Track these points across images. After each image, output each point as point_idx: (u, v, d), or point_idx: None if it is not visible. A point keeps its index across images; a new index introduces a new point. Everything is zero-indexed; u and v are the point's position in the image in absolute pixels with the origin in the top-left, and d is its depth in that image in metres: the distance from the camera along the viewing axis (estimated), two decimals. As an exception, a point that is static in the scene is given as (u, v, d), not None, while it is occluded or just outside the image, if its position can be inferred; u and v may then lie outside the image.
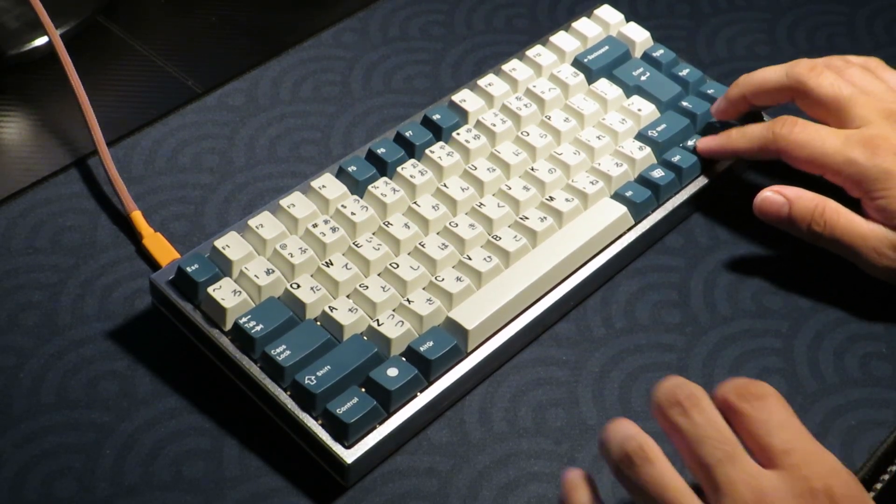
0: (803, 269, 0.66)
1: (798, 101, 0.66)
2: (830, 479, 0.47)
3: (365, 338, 0.58)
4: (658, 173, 0.66)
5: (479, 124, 0.68)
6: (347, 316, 0.58)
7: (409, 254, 0.62)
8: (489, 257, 0.61)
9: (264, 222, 0.62)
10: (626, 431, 0.49)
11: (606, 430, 0.50)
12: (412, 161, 0.66)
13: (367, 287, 0.60)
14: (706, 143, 0.67)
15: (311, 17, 0.84)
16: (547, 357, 0.62)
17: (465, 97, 0.69)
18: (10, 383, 0.60)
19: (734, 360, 0.62)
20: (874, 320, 0.64)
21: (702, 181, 0.68)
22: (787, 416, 0.49)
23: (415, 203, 0.64)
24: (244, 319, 0.58)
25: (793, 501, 0.46)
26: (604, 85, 0.71)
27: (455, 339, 0.58)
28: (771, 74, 0.66)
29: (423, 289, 0.60)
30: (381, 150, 0.66)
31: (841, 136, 0.62)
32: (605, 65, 0.72)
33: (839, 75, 0.64)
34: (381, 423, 0.56)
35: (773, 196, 0.64)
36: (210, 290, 0.59)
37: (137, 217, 0.66)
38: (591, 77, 0.72)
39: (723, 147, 0.66)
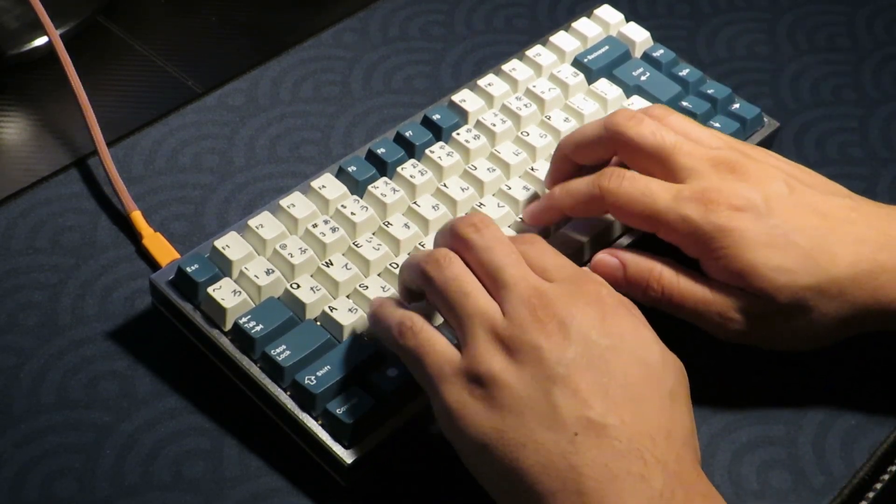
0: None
1: (620, 153, 0.60)
2: (599, 286, 0.52)
3: (365, 338, 0.58)
4: (658, 173, 0.66)
5: (479, 124, 0.68)
6: (347, 316, 0.58)
7: (409, 254, 0.62)
8: (489, 257, 0.61)
9: (264, 222, 0.62)
10: (415, 258, 0.55)
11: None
12: (412, 161, 0.66)
13: (367, 287, 0.60)
14: (529, 210, 0.62)
15: (311, 17, 0.84)
16: (547, 357, 0.62)
17: (465, 97, 0.69)
18: (10, 383, 0.60)
19: (734, 359, 0.62)
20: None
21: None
22: (557, 252, 0.54)
23: (415, 203, 0.64)
24: (244, 319, 0.58)
25: (568, 299, 0.51)
26: (604, 85, 0.71)
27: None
28: (589, 129, 0.61)
29: (423, 289, 0.60)
30: (381, 150, 0.66)
31: (672, 190, 0.57)
32: (605, 65, 0.72)
33: (661, 123, 0.60)
34: (380, 423, 0.56)
35: (608, 258, 0.59)
36: (210, 290, 0.59)
37: (137, 217, 0.66)
38: (591, 77, 0.72)
39: (548, 209, 0.61)
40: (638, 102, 0.70)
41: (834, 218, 0.57)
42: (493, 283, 0.52)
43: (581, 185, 0.60)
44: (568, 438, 0.48)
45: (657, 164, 0.59)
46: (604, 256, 0.60)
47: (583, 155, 0.62)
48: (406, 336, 0.53)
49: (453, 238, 0.54)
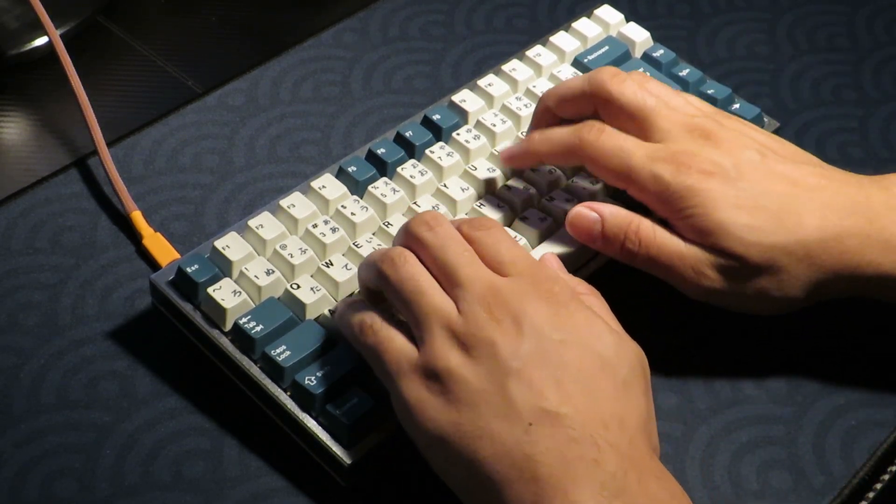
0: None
1: (601, 109, 0.62)
2: (552, 282, 0.53)
3: (365, 338, 0.58)
4: (658, 173, 0.66)
5: (479, 124, 0.68)
6: (347, 316, 0.58)
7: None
8: (489, 257, 0.61)
9: (264, 222, 0.62)
10: (371, 258, 0.56)
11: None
12: (412, 161, 0.66)
13: (367, 287, 0.60)
14: (508, 150, 0.64)
15: (311, 17, 0.84)
16: (547, 357, 0.62)
17: (465, 97, 0.69)
18: (10, 383, 0.60)
19: (735, 359, 0.62)
20: (873, 317, 0.64)
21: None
22: (512, 241, 0.55)
23: (415, 203, 0.64)
24: (244, 320, 0.58)
25: (521, 296, 0.52)
26: (604, 85, 0.71)
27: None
28: (573, 83, 0.63)
29: (423, 289, 0.60)
30: (381, 151, 0.66)
31: (647, 149, 0.59)
32: (605, 65, 0.72)
33: (641, 86, 0.61)
34: (380, 423, 0.56)
35: (586, 212, 0.60)
36: (210, 290, 0.59)
37: (137, 217, 0.66)
38: (591, 77, 0.72)
39: (524, 152, 0.63)
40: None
41: (803, 185, 0.59)
42: (448, 281, 0.53)
43: (561, 133, 0.61)
44: (523, 429, 0.49)
45: (635, 123, 0.61)
46: (582, 209, 0.60)
47: (565, 108, 0.63)
48: (366, 334, 0.54)
49: (407, 237, 0.55)
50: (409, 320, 0.53)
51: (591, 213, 0.60)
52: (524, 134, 0.67)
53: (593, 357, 0.51)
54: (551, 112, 0.64)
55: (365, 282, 0.57)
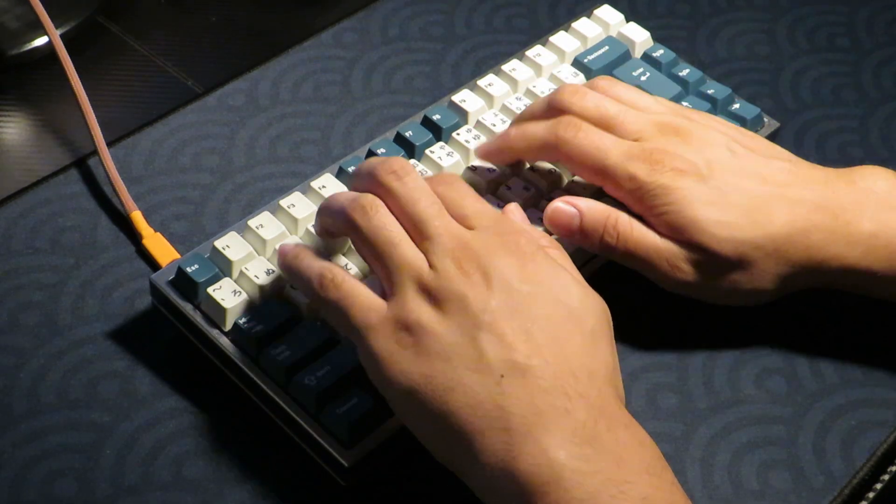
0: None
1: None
2: (518, 235, 0.54)
3: (365, 338, 0.58)
4: (658, 173, 0.66)
5: (479, 124, 0.68)
6: (347, 316, 0.58)
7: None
8: (489, 257, 0.61)
9: (264, 222, 0.62)
10: (338, 202, 0.56)
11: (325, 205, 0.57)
12: (412, 161, 0.66)
13: (367, 287, 0.60)
14: (484, 146, 0.64)
15: (311, 17, 0.84)
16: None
17: (465, 97, 0.69)
18: (10, 383, 0.60)
19: (735, 359, 0.62)
20: (873, 318, 0.64)
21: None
22: (475, 195, 0.56)
23: (415, 203, 0.64)
24: (244, 320, 0.58)
25: (490, 249, 0.53)
26: (604, 85, 0.71)
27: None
28: (535, 107, 0.63)
29: (423, 289, 0.60)
30: (381, 151, 0.66)
31: (623, 147, 0.60)
32: (605, 65, 0.72)
33: (605, 94, 0.62)
34: (380, 423, 0.56)
35: (564, 207, 0.61)
36: (210, 290, 0.59)
37: (137, 217, 0.66)
38: (591, 77, 0.72)
39: (501, 149, 0.63)
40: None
41: (772, 181, 0.60)
42: (417, 233, 0.54)
43: (538, 130, 0.62)
44: (494, 380, 0.50)
45: (606, 130, 0.61)
46: (560, 205, 0.61)
47: (529, 154, 0.64)
48: (328, 288, 0.54)
49: (374, 184, 0.55)
50: (378, 271, 0.54)
51: (569, 207, 0.61)
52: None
53: (561, 309, 0.52)
54: (515, 151, 0.63)
55: (328, 227, 0.57)
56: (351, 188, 0.58)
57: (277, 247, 0.59)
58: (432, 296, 0.52)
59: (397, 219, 0.54)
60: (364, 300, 0.53)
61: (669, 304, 0.64)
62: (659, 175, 0.59)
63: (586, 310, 0.53)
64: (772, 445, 0.59)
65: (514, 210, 0.60)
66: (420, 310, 0.52)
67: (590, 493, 0.47)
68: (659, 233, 0.60)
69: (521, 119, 0.64)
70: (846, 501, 0.58)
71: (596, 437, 0.49)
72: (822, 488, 0.58)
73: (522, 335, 0.51)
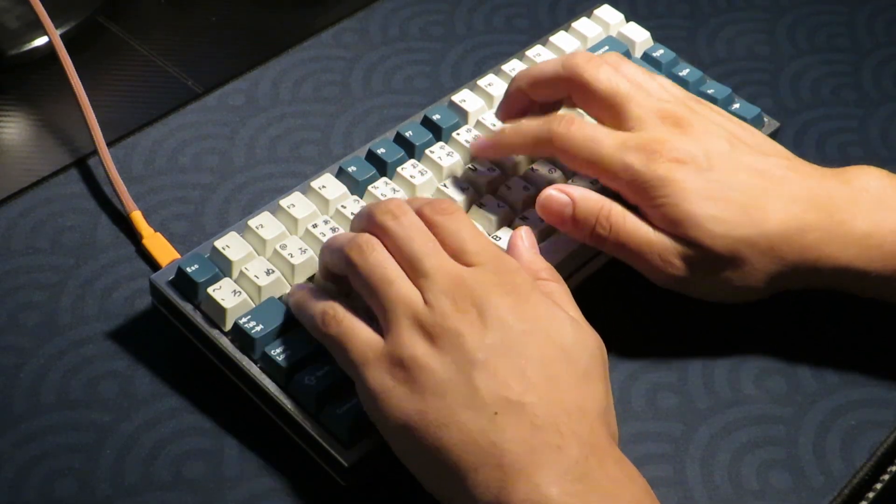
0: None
1: (574, 94, 0.63)
2: (514, 274, 0.54)
3: (365, 338, 0.58)
4: (658, 173, 0.66)
5: (479, 124, 0.68)
6: (347, 316, 0.58)
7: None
8: (489, 257, 0.61)
9: (264, 222, 0.62)
10: (337, 242, 0.56)
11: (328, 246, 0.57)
12: (412, 161, 0.66)
13: (367, 287, 0.60)
14: (478, 143, 0.64)
15: (311, 17, 0.84)
16: (547, 357, 0.62)
17: (465, 97, 0.69)
18: (10, 383, 0.60)
19: (735, 359, 0.62)
20: (873, 318, 0.64)
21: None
22: (475, 229, 0.56)
23: (415, 203, 0.64)
24: (244, 320, 0.58)
25: (485, 287, 0.53)
26: (604, 85, 0.71)
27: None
28: (547, 66, 0.63)
29: (423, 289, 0.60)
30: (381, 151, 0.66)
31: (618, 138, 0.60)
32: (605, 65, 0.72)
33: (616, 70, 0.62)
34: (381, 423, 0.56)
35: (557, 195, 0.60)
36: (210, 290, 0.59)
37: (137, 217, 0.66)
38: (591, 77, 0.72)
39: (496, 145, 0.63)
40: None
41: (770, 177, 0.60)
42: (413, 271, 0.54)
43: (531, 126, 0.62)
44: (488, 417, 0.50)
45: (608, 109, 0.61)
46: (552, 192, 0.61)
47: (538, 91, 0.64)
48: (329, 325, 0.55)
49: (372, 225, 0.56)
50: (374, 308, 0.54)
51: (561, 195, 0.61)
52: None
53: (555, 347, 0.52)
54: (524, 93, 0.65)
55: (329, 266, 0.58)
56: (350, 230, 0.58)
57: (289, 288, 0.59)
58: (427, 332, 0.52)
59: (394, 257, 0.55)
60: (362, 336, 0.54)
61: (669, 304, 0.64)
62: (656, 165, 0.58)
63: (580, 348, 0.53)
64: (772, 445, 0.59)
65: (525, 236, 0.59)
66: (415, 346, 0.52)
67: None
68: (653, 225, 0.59)
69: (528, 75, 0.64)
70: (846, 501, 0.58)
71: (587, 474, 0.49)
72: (822, 488, 0.58)
73: (516, 373, 0.51)
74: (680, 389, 0.61)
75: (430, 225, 0.55)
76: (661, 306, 0.64)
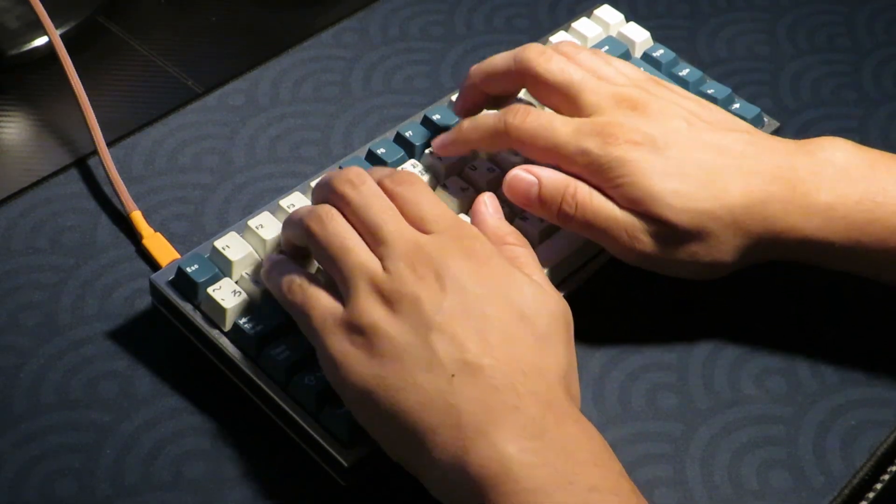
0: (798, 269, 0.66)
1: (529, 87, 0.63)
2: (473, 239, 0.55)
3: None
4: (658, 173, 0.66)
5: (479, 124, 0.68)
6: (347, 316, 0.58)
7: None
8: (489, 257, 0.61)
9: (264, 222, 0.62)
10: (297, 214, 0.57)
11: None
12: (412, 161, 0.66)
13: (367, 287, 0.60)
14: (439, 140, 0.64)
15: (311, 17, 0.84)
16: (547, 357, 0.62)
17: (465, 97, 0.69)
18: (10, 383, 0.60)
19: (735, 359, 0.62)
20: (873, 318, 0.64)
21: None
22: (434, 197, 0.56)
23: (415, 203, 0.63)
24: (244, 320, 0.58)
25: (444, 252, 0.53)
26: (604, 85, 0.71)
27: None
28: (499, 60, 0.64)
29: (423, 289, 0.60)
30: (380, 151, 0.66)
31: (573, 124, 0.60)
32: (605, 65, 0.72)
33: (570, 59, 0.62)
34: (381, 423, 0.56)
35: (524, 174, 0.60)
36: (210, 290, 0.59)
37: (137, 217, 0.66)
38: (591, 77, 0.72)
39: (455, 142, 0.63)
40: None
41: (729, 152, 0.60)
42: (372, 238, 0.55)
43: (488, 119, 0.62)
44: (446, 379, 0.50)
45: (563, 99, 0.61)
46: (519, 172, 0.61)
47: (491, 85, 0.65)
48: (294, 292, 0.55)
49: (331, 194, 0.56)
50: (334, 276, 0.55)
51: (528, 175, 0.61)
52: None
53: (514, 310, 0.53)
54: (478, 89, 0.65)
55: (290, 238, 0.58)
56: (312, 201, 0.59)
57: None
58: (386, 298, 0.52)
59: (353, 226, 0.55)
60: (324, 304, 0.54)
61: (669, 305, 0.64)
62: (612, 147, 0.58)
63: (540, 311, 0.53)
64: (772, 445, 0.59)
65: (489, 202, 0.60)
66: (373, 311, 0.52)
67: (539, 484, 0.48)
68: (618, 205, 0.59)
69: (481, 70, 0.64)
70: (846, 501, 0.58)
71: (545, 432, 0.49)
72: (822, 488, 0.58)
73: (474, 335, 0.51)
74: (680, 389, 0.61)
75: (390, 194, 0.56)
76: (661, 306, 0.64)
